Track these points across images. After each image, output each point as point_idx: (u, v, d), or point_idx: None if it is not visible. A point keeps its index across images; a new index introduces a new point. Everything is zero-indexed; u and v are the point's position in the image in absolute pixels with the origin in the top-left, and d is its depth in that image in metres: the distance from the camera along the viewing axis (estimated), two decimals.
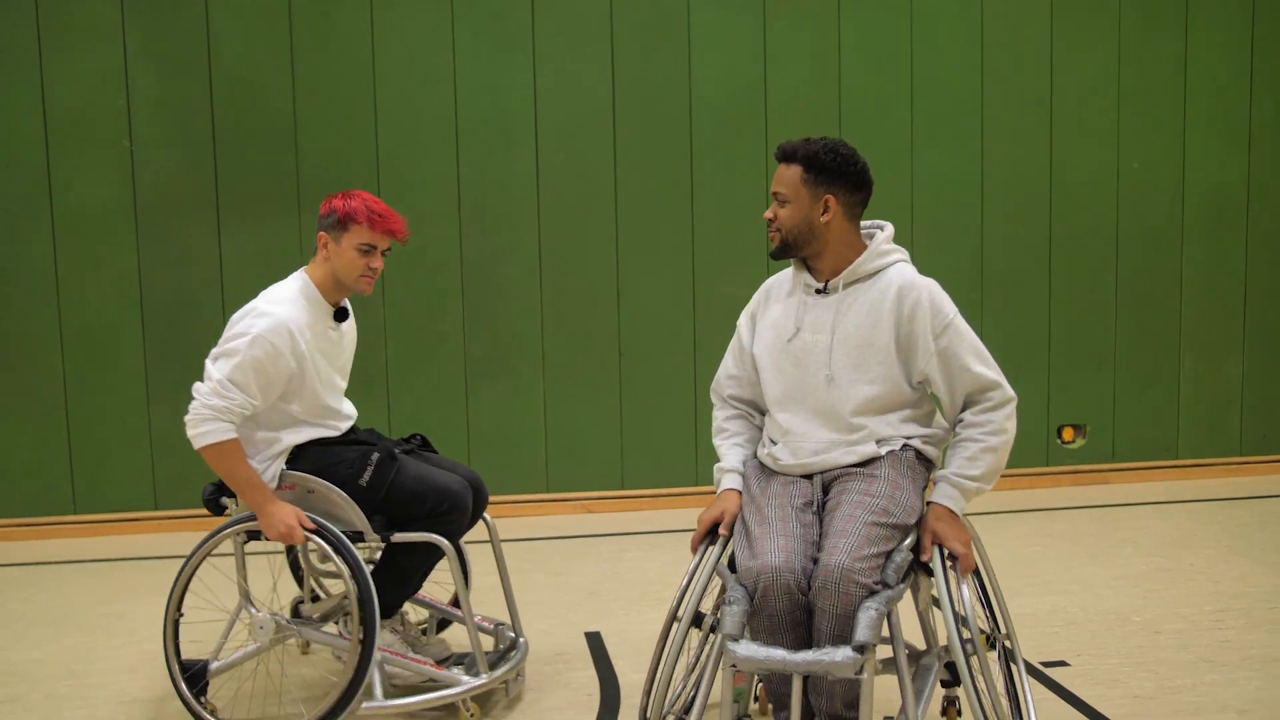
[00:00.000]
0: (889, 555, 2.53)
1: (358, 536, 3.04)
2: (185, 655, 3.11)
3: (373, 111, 5.46)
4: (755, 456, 2.84)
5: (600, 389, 5.70)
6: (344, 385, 3.31)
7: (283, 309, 3.05)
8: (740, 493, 2.75)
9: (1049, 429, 5.93)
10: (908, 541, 2.60)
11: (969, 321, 2.76)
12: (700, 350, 5.61)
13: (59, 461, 5.24)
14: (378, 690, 2.99)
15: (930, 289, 2.70)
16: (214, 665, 3.12)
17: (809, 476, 2.70)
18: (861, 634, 2.36)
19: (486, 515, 3.35)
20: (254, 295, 3.16)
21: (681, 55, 5.58)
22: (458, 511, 3.07)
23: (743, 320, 2.92)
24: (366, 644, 2.93)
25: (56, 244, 5.34)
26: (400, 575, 3.15)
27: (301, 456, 3.12)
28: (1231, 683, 3.39)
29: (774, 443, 2.78)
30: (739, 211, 5.56)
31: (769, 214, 2.73)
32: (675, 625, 2.62)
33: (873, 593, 2.43)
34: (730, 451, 2.86)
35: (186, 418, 2.98)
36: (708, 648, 2.65)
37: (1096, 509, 5.44)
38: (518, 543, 5.06)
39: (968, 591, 2.55)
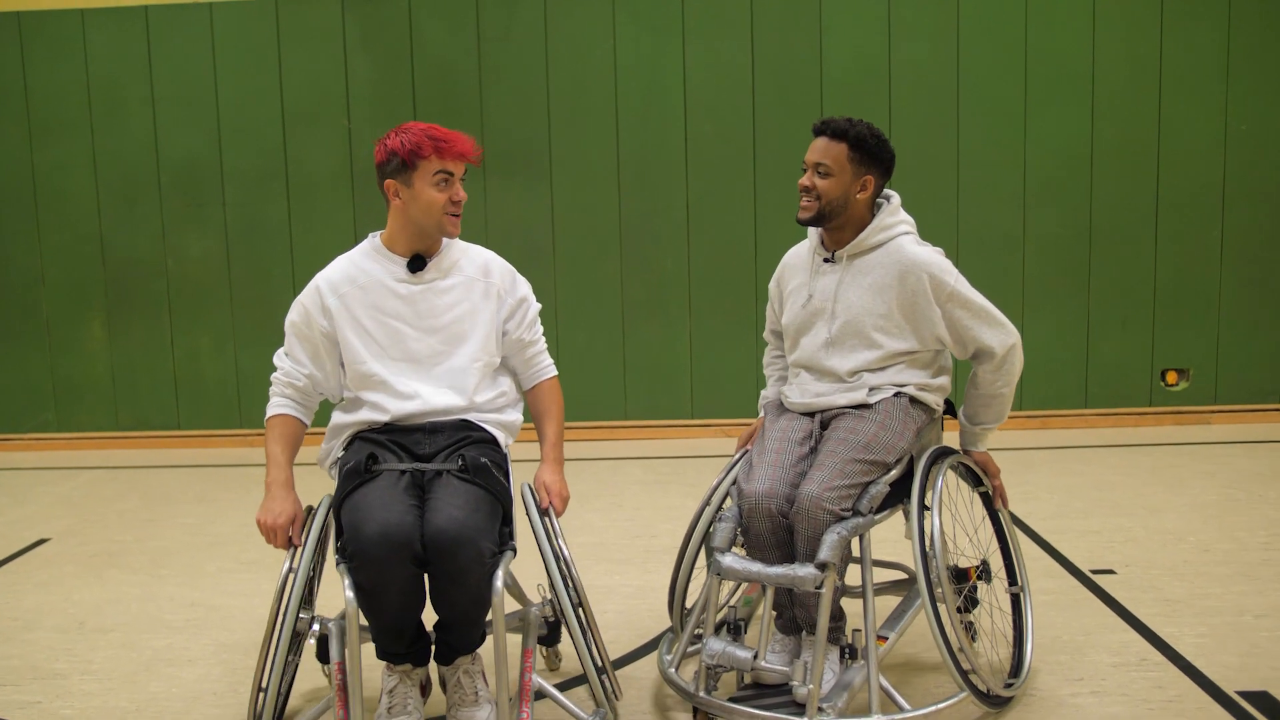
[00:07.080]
0: (865, 487, 2.62)
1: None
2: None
3: (546, 91, 6.01)
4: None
5: (739, 328, 6.13)
6: (448, 350, 2.67)
7: (324, 270, 2.71)
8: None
9: (1153, 372, 6.06)
10: (888, 476, 2.66)
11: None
12: None
13: None
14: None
15: (930, 266, 2.73)
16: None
17: (811, 415, 2.82)
18: (823, 553, 2.48)
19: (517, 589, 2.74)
20: None
21: (813, 34, 5.91)
22: (360, 559, 2.35)
23: (772, 286, 3.06)
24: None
25: (290, 206, 6.07)
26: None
27: (354, 444, 2.64)
28: (1260, 593, 3.51)
29: (788, 384, 2.96)
30: None
31: (807, 182, 2.74)
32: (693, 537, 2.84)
33: (841, 519, 2.53)
34: (771, 385, 3.12)
35: None
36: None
37: (1190, 445, 5.52)
38: (661, 460, 5.65)
39: (938, 528, 2.59)
